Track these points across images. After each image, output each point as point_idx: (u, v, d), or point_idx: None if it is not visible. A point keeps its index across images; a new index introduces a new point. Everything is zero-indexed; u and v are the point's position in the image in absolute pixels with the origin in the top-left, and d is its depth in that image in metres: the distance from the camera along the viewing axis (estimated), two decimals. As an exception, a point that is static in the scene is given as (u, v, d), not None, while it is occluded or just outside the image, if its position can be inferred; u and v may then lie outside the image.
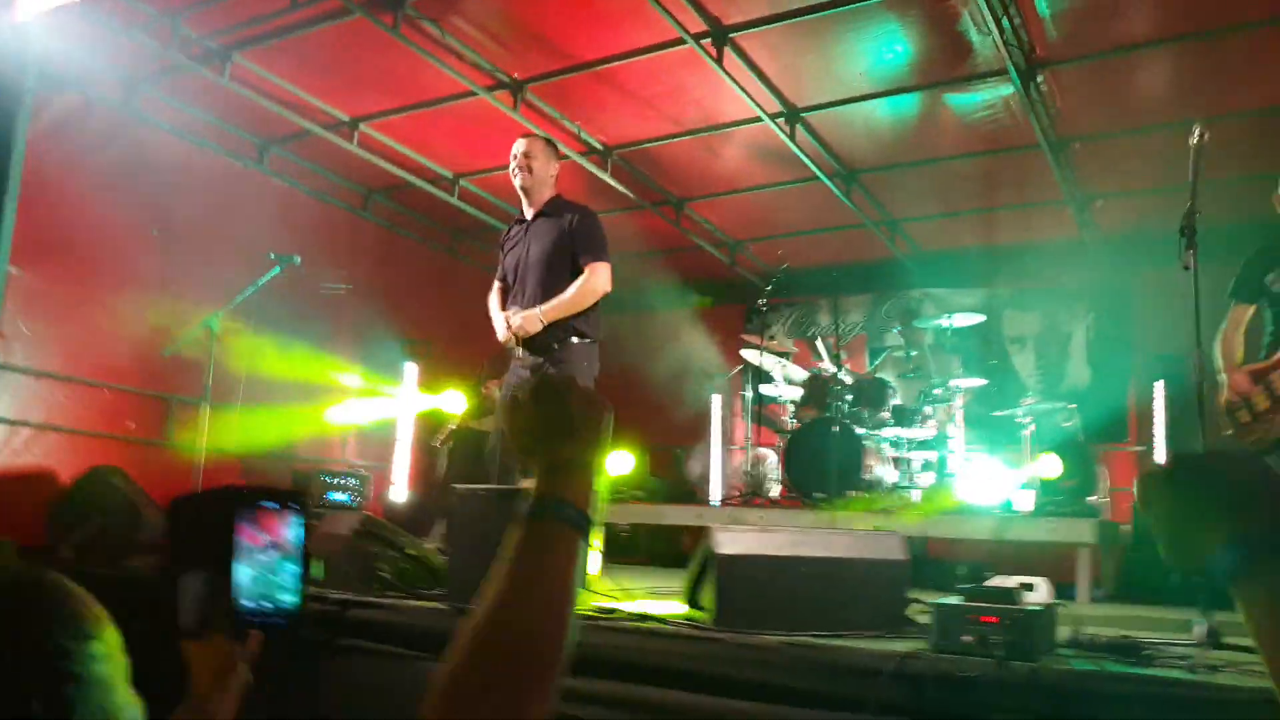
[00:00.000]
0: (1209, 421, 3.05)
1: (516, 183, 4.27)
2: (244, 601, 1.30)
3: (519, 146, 4.31)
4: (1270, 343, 3.86)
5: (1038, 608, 2.55)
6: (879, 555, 2.98)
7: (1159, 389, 7.20)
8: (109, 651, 0.87)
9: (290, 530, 1.31)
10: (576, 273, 4.12)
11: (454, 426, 6.20)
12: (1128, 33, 5.00)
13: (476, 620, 0.92)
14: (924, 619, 2.65)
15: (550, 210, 4.26)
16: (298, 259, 5.59)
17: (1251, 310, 3.94)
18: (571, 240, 4.13)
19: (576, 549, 0.98)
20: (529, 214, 4.32)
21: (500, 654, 0.91)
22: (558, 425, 1.02)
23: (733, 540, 2.92)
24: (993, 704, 2.35)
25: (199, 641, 1.32)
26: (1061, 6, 4.78)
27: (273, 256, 5.53)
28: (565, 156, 6.48)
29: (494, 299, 4.46)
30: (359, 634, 3.34)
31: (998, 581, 2.95)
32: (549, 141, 4.46)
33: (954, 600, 2.61)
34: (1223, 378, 3.87)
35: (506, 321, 4.18)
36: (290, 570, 1.31)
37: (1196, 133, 3.10)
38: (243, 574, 1.30)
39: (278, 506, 1.31)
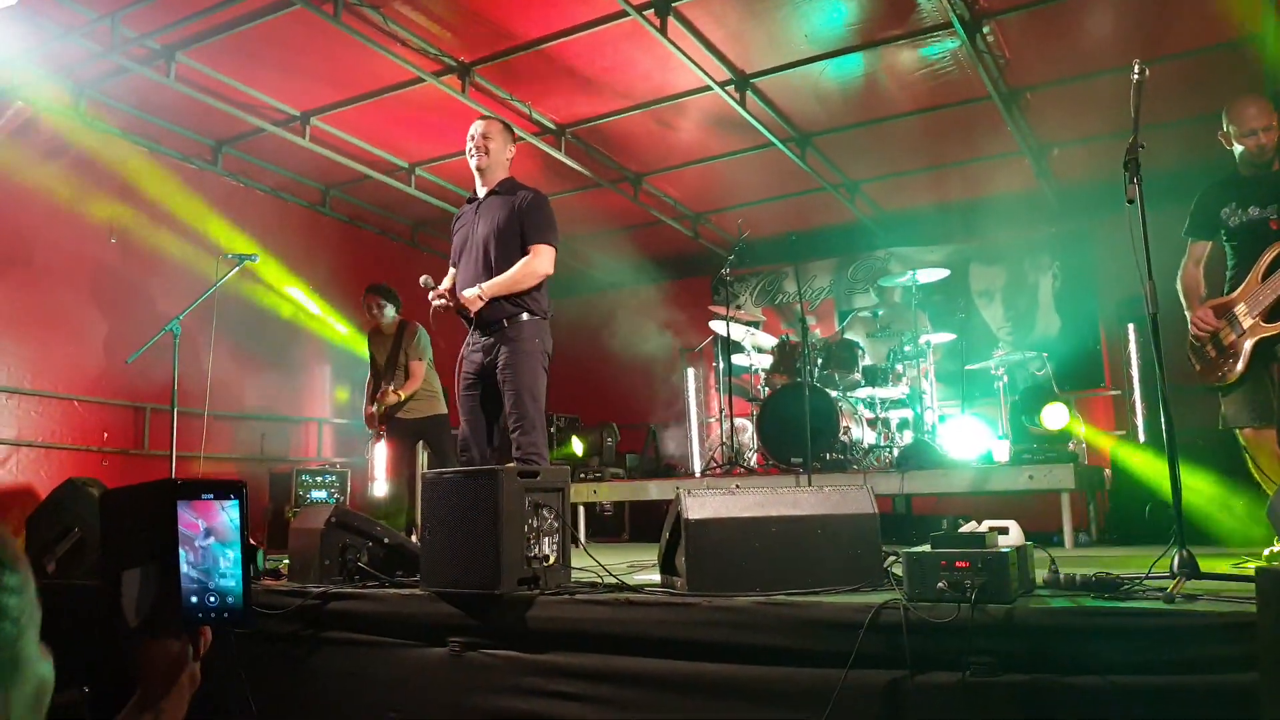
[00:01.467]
0: (1165, 354, 3.08)
1: (473, 163, 4.27)
2: (190, 595, 1.28)
3: (477, 128, 4.32)
4: (1233, 276, 3.90)
5: (1008, 549, 2.56)
6: (847, 510, 2.99)
7: (1131, 332, 7.29)
8: (23, 586, 0.83)
9: (228, 516, 1.29)
10: (524, 253, 4.12)
11: (382, 428, 6.19)
12: (1068, -23, 5.03)
13: None
14: (899, 571, 2.67)
15: (502, 189, 4.26)
16: (256, 258, 5.55)
17: (1209, 246, 3.99)
18: (520, 220, 4.12)
19: None
20: (481, 193, 4.31)
21: None
22: None
23: (701, 505, 2.92)
24: (969, 647, 2.37)
25: (147, 639, 1.28)
26: (1001, -45, 4.81)
27: (230, 256, 5.49)
28: (520, 139, 6.47)
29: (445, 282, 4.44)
30: (341, 625, 3.35)
31: (969, 528, 2.97)
32: (506, 125, 4.48)
33: (925, 549, 2.62)
34: (1188, 314, 3.91)
35: (447, 293, 4.16)
36: (231, 557, 1.29)
37: (1136, 69, 3.16)
38: (186, 566, 1.28)
39: (213, 496, 1.29)
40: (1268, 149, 3.76)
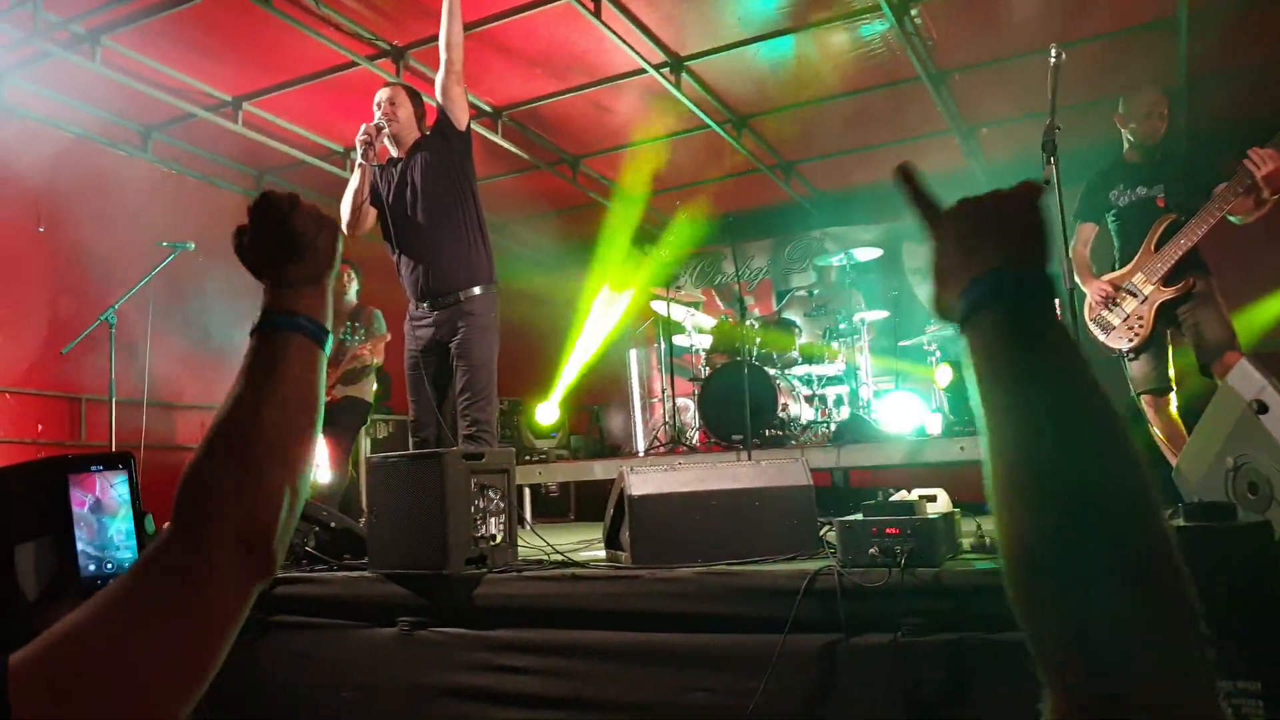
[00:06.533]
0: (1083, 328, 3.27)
1: (384, 132, 4.28)
2: (88, 564, 1.33)
3: (383, 95, 4.34)
4: (1121, 252, 4.19)
5: (936, 516, 2.69)
6: (784, 482, 3.11)
7: (1052, 305, 7.54)
8: None
9: (116, 489, 1.33)
10: (461, 185, 4.19)
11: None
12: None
13: (219, 418, 0.96)
14: (833, 539, 2.78)
15: (419, 143, 4.34)
16: (191, 245, 5.47)
17: (1095, 229, 4.25)
18: (436, 140, 4.24)
19: (313, 356, 1.00)
20: (399, 155, 4.36)
21: (240, 449, 0.94)
22: (284, 246, 1.02)
23: (643, 481, 3.02)
24: (900, 609, 2.50)
25: (46, 610, 1.31)
26: (926, -59, 4.93)
27: (165, 244, 5.40)
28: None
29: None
30: (290, 609, 3.38)
31: (899, 496, 3.10)
32: (412, 90, 4.52)
33: (858, 517, 2.74)
34: (1085, 288, 4.14)
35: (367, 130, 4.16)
36: (122, 528, 1.33)
37: (1054, 53, 3.31)
38: (79, 538, 1.32)
39: (102, 468, 1.33)
40: (1159, 133, 4.06)
